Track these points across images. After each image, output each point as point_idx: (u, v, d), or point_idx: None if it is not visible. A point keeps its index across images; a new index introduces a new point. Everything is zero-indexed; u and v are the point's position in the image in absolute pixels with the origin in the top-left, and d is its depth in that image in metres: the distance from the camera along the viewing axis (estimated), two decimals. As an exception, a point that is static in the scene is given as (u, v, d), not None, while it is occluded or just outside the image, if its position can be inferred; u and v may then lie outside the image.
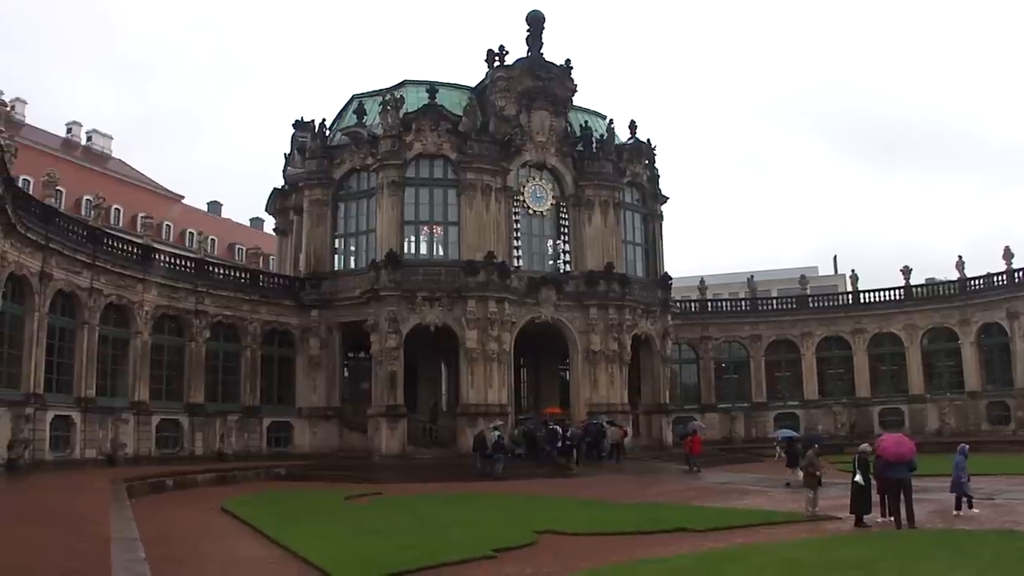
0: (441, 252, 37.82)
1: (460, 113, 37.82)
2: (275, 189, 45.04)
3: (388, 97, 38.34)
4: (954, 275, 44.57)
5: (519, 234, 38.60)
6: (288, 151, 43.04)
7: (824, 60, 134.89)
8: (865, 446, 17.26)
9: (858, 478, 16.27)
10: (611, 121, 42.64)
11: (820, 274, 77.51)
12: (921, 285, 47.25)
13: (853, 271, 49.31)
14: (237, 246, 72.43)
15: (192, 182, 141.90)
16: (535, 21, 40.29)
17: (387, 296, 34.87)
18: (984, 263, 51.11)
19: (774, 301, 51.14)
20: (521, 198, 38.61)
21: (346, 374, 39.74)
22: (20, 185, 33.09)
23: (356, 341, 38.07)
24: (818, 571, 11.71)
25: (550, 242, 40.05)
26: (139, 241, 34.57)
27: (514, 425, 35.86)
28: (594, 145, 40.50)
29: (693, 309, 48.47)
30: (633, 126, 42.97)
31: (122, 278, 30.82)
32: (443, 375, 43.16)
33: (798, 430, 40.13)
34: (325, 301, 37.32)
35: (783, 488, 24.59)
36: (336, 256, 39.32)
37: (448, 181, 37.40)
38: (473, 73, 49.51)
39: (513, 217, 38.28)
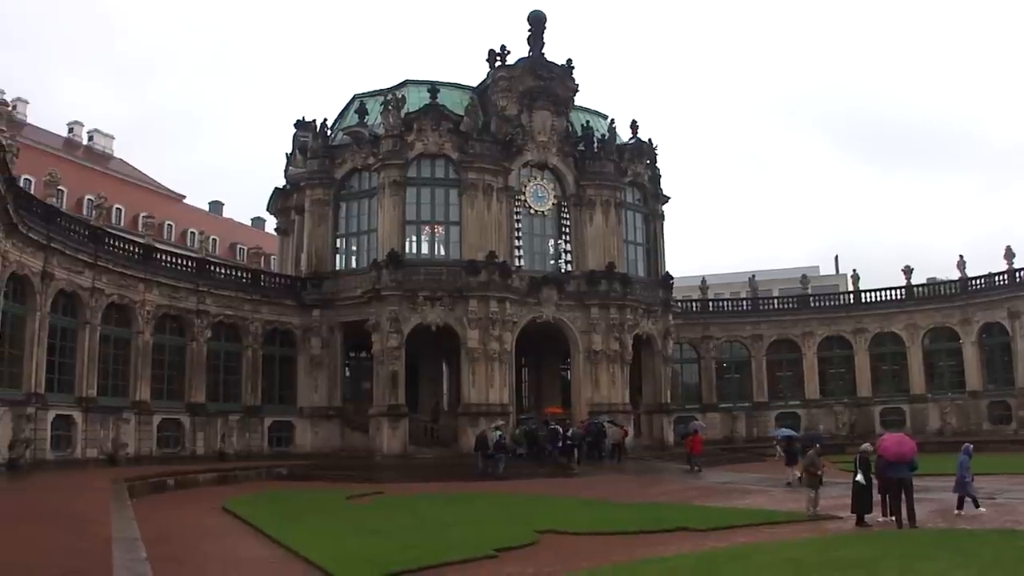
0: (442, 252, 37.82)
1: (462, 113, 37.84)
2: (276, 189, 45.03)
3: (390, 97, 38.41)
4: (955, 275, 44.60)
5: (520, 234, 38.64)
6: (289, 151, 43.05)
7: (826, 60, 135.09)
8: (866, 446, 17.26)
9: (859, 477, 16.27)
10: (612, 121, 42.69)
11: (821, 274, 77.49)
12: (922, 285, 47.24)
13: (854, 271, 49.40)
14: (238, 246, 72.41)
15: (193, 182, 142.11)
16: (536, 21, 40.31)
17: (388, 296, 34.89)
18: (985, 263, 51.09)
19: (775, 301, 51.11)
20: (522, 198, 38.64)
21: (347, 374, 39.76)
22: (22, 185, 33.21)
23: (357, 341, 38.09)
24: (819, 570, 11.69)
25: (551, 242, 40.07)
26: (141, 241, 34.59)
27: (515, 425, 35.85)
28: (595, 145, 40.52)
29: (694, 309, 48.47)
30: (634, 126, 43.05)
31: (124, 278, 30.86)
32: (444, 375, 43.24)
33: (799, 430, 40.11)
34: (326, 301, 37.34)
35: (784, 488, 24.59)
36: (337, 256, 39.34)
37: (450, 181, 37.41)
38: (474, 73, 49.62)
39: (514, 217, 38.31)
